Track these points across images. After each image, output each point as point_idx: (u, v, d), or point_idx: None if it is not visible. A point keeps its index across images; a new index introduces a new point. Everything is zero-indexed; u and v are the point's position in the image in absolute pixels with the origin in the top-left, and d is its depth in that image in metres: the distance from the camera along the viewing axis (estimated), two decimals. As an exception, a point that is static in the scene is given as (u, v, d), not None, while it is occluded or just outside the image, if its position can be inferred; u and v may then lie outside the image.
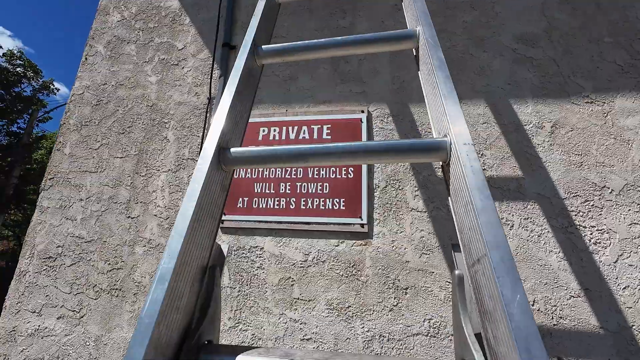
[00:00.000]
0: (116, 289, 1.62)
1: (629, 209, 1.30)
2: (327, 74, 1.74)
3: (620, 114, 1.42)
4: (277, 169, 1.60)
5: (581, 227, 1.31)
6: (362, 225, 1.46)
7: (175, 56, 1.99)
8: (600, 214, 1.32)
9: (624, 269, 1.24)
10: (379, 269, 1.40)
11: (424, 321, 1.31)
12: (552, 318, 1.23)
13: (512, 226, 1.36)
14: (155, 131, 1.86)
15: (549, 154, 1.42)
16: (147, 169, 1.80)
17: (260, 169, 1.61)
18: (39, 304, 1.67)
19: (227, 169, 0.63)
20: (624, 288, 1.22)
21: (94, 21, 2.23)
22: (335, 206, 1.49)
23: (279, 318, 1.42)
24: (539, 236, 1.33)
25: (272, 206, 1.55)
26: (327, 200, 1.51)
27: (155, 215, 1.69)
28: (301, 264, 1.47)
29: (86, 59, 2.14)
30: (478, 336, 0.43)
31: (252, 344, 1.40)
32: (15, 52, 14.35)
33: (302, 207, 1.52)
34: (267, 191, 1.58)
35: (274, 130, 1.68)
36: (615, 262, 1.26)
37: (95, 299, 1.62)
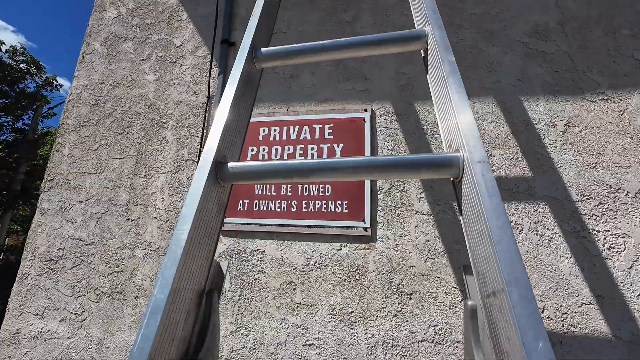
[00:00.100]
0: (117, 292, 1.60)
1: (646, 213, 1.24)
2: (329, 71, 1.68)
3: (638, 111, 1.35)
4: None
5: (594, 231, 1.26)
6: (365, 228, 1.41)
7: (173, 53, 1.94)
8: (615, 218, 1.26)
9: (639, 275, 1.19)
10: (383, 273, 1.36)
11: (429, 327, 1.27)
12: (563, 326, 1.19)
13: (522, 230, 1.31)
14: (154, 131, 1.82)
15: (561, 154, 1.36)
16: (146, 170, 1.76)
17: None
18: (42, 307, 1.67)
19: (224, 185, 0.59)
20: (639, 295, 1.17)
21: (90, 18, 2.18)
22: (338, 209, 1.45)
23: (281, 323, 1.39)
24: (549, 240, 1.28)
25: (273, 209, 1.51)
26: (330, 202, 1.47)
27: (155, 218, 1.67)
28: (303, 268, 1.44)
29: (83, 57, 2.09)
30: None
31: (254, 349, 1.38)
32: (18, 48, 14.38)
33: (304, 209, 1.48)
34: (268, 193, 1.54)
35: (275, 130, 1.63)
36: (629, 268, 1.20)
37: (96, 302, 1.61)
